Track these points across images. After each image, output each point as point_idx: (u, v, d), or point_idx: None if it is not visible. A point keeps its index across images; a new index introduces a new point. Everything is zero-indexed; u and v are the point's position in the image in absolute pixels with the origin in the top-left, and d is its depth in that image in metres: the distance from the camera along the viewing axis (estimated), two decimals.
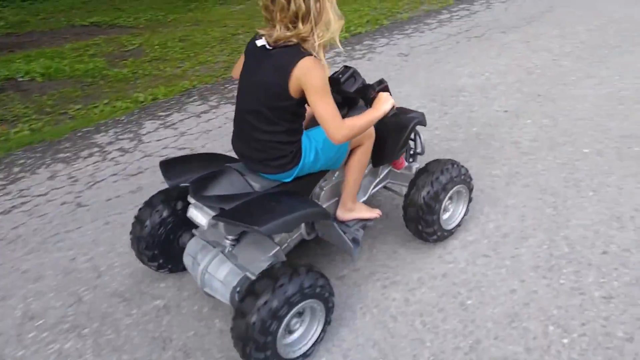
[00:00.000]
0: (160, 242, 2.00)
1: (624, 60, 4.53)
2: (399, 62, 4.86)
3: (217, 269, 1.74)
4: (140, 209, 2.02)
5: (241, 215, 1.59)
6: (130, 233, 2.03)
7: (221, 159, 1.94)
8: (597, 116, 3.55)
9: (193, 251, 1.84)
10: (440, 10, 6.63)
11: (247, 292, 1.54)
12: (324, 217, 1.76)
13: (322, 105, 1.56)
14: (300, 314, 1.67)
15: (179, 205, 1.99)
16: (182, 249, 1.91)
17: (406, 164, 2.35)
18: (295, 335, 1.70)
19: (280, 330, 1.54)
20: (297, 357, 1.68)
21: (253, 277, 1.63)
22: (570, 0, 6.61)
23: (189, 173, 1.79)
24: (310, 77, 1.53)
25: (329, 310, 1.72)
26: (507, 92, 4.05)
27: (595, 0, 6.50)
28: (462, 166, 2.19)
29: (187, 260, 1.87)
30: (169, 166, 1.87)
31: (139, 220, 1.99)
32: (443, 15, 6.38)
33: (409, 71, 4.62)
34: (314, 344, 1.73)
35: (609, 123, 3.43)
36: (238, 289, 1.69)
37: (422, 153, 2.30)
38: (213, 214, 1.66)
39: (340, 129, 1.58)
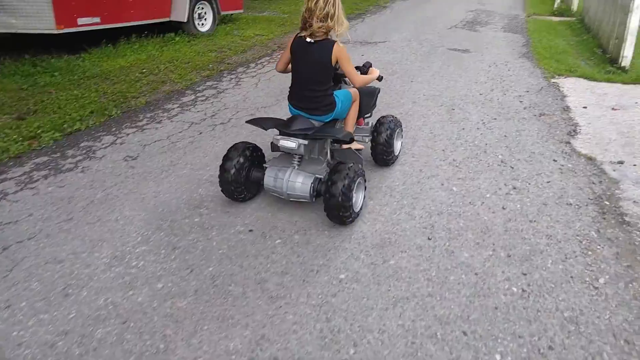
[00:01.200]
0: (241, 184, 3.08)
1: None
2: (123, 171, 3.78)
3: (296, 177, 2.92)
4: (223, 161, 3.05)
5: (323, 134, 2.97)
6: (219, 177, 3.08)
7: (271, 117, 3.33)
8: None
9: (273, 173, 2.97)
10: (184, 90, 5.81)
11: (331, 181, 2.76)
12: (352, 136, 3.10)
13: (350, 67, 2.98)
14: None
15: (247, 152, 3.10)
16: (254, 181, 3.13)
17: (364, 122, 3.72)
18: (354, 199, 2.86)
19: (352, 196, 2.80)
20: (358, 211, 3.00)
21: (320, 177, 2.96)
22: None
23: (269, 122, 3.05)
24: (341, 53, 2.89)
25: (365, 182, 3.08)
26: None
27: None
28: (397, 118, 3.73)
29: (268, 180, 2.99)
30: (255, 121, 3.06)
31: (224, 169, 3.03)
32: (187, 97, 5.56)
33: (133, 184, 3.57)
34: (361, 205, 3.06)
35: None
36: (312, 185, 2.91)
37: (371, 112, 3.74)
38: (298, 140, 2.85)
39: (359, 78, 3.11)
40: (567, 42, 8.81)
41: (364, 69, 3.31)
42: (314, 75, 2.95)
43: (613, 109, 5.24)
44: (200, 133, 4.55)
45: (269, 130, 3.05)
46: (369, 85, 3.38)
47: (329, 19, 2.80)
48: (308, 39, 2.87)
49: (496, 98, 5.51)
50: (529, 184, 3.57)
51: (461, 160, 3.95)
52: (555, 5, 12.72)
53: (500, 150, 4.15)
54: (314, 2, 2.79)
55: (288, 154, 3.05)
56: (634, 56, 6.67)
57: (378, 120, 3.61)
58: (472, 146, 4.23)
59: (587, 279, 2.54)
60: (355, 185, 2.87)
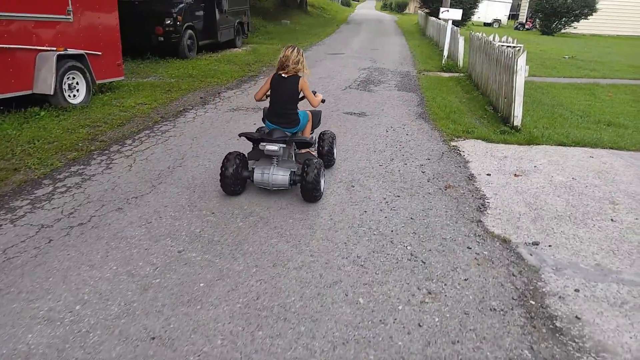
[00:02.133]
0: (238, 179, 4.18)
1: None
2: None
3: (277, 172, 4.09)
4: (224, 163, 4.14)
5: (297, 139, 4.23)
6: (220, 175, 4.17)
7: (257, 132, 4.56)
8: None
9: (260, 171, 4.13)
10: (40, 179, 4.80)
11: (306, 172, 3.95)
12: (312, 142, 4.65)
13: (309, 93, 4.27)
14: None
15: (237, 160, 4.17)
16: (244, 178, 4.26)
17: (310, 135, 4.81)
18: (321, 183, 4.12)
19: (320, 182, 4.06)
20: (322, 192, 4.23)
21: (294, 170, 4.15)
22: (201, 150, 5.75)
23: (256, 134, 4.27)
24: (304, 84, 4.19)
25: (324, 172, 4.31)
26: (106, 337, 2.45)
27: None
28: (333, 132, 5.16)
29: (257, 176, 4.15)
30: (245, 134, 4.22)
31: (225, 170, 4.12)
32: (42, 189, 4.57)
33: None
34: (324, 188, 4.31)
35: None
36: (290, 177, 4.10)
37: (318, 126, 4.99)
38: (280, 145, 4.01)
39: (316, 100, 4.37)
40: (459, 99, 8.94)
41: (314, 94, 4.46)
42: (287, 99, 4.27)
43: (515, 174, 5.06)
44: (50, 241, 3.61)
45: (242, 139, 4.40)
46: (317, 109, 4.79)
47: (298, 64, 4.21)
48: (283, 75, 4.23)
49: (397, 169, 5.13)
50: (445, 284, 3.07)
51: (366, 257, 3.38)
52: (443, 62, 13.24)
53: (408, 238, 3.66)
54: (290, 52, 4.21)
55: (267, 157, 4.28)
56: (523, 114, 6.74)
57: (319, 135, 4.99)
58: (377, 235, 3.70)
59: None
60: (321, 173, 4.10)
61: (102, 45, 7.97)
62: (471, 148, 5.97)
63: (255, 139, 4.20)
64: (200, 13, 13.79)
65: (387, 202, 4.29)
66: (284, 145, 4.12)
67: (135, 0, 12.57)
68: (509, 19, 41.40)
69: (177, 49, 12.72)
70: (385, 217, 3.98)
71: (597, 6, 28.81)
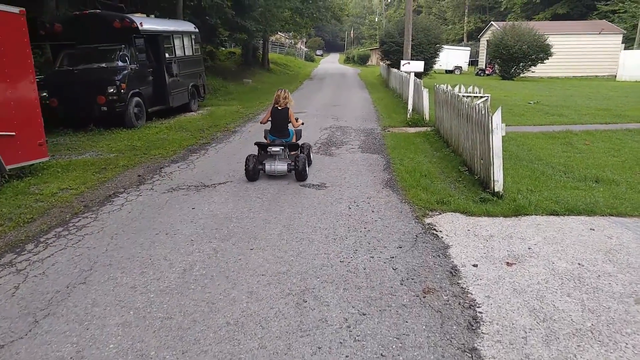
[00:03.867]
0: (256, 170, 6.86)
1: None
2: None
3: (280, 163, 6.94)
4: (246, 162, 6.84)
5: (292, 146, 7.18)
6: (245, 169, 6.86)
7: (265, 142, 7.26)
8: None
9: (270, 164, 6.94)
10: None
11: (297, 164, 6.79)
12: (299, 147, 7.38)
13: (293, 120, 7.13)
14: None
15: (255, 157, 6.95)
16: (259, 170, 6.97)
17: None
18: (307, 170, 6.93)
19: (306, 169, 6.94)
20: (307, 174, 7.02)
21: (290, 162, 6.95)
22: (117, 254, 4.59)
23: (265, 143, 7.11)
24: (292, 112, 7.13)
25: (308, 162, 7.30)
26: None
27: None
28: (309, 143, 7.97)
29: (267, 167, 6.94)
30: (259, 144, 7.10)
31: (247, 164, 6.80)
32: None
33: None
34: (308, 172, 7.12)
35: None
36: (288, 166, 6.91)
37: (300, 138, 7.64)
38: (281, 148, 6.92)
39: (297, 125, 7.21)
40: (429, 159, 8.10)
41: (297, 120, 7.21)
42: (282, 122, 7.07)
43: (508, 263, 4.07)
44: None
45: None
46: (298, 128, 7.33)
47: (287, 99, 7.01)
48: (278, 107, 7.02)
49: (362, 266, 4.08)
50: None
51: None
52: (408, 115, 12.57)
53: None
54: (281, 92, 7.07)
55: (271, 156, 7.02)
56: (504, 175, 5.85)
57: (300, 145, 7.38)
58: None
59: None
60: (305, 165, 6.84)
61: (15, 124, 6.88)
62: (449, 225, 5.00)
63: (265, 145, 7.02)
64: (149, 78, 12.90)
65: (349, 326, 3.20)
66: (283, 148, 6.96)
67: (74, 69, 11.62)
68: (469, 65, 42.21)
69: (123, 119, 11.69)
70: (347, 358, 2.88)
71: (552, 50, 29.39)
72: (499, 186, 5.76)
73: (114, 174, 7.65)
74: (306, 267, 4.10)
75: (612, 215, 5.16)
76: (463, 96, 7.99)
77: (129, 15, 12.25)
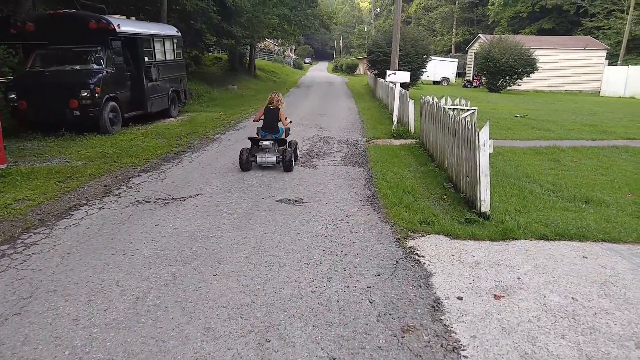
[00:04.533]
0: (249, 161, 7.84)
1: None
2: None
3: (270, 156, 7.93)
4: (240, 154, 7.82)
5: (281, 141, 8.06)
6: (239, 161, 7.84)
7: (257, 136, 8.30)
8: None
9: (261, 156, 7.93)
10: None
11: (284, 157, 7.74)
12: (286, 143, 8.21)
13: (283, 119, 8.16)
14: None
15: (246, 151, 7.87)
16: (251, 162, 7.95)
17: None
18: (293, 162, 8.05)
19: (292, 161, 7.99)
20: (294, 166, 8.08)
21: (278, 155, 7.92)
22: (65, 278, 4.13)
23: (256, 138, 8.10)
24: (282, 112, 8.18)
25: (294, 155, 8.32)
26: None
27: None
28: (296, 140, 8.95)
29: (259, 159, 7.92)
30: (251, 138, 8.11)
31: (241, 156, 7.79)
32: None
33: None
34: (294, 163, 8.20)
35: None
36: (276, 158, 7.88)
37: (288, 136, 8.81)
38: (271, 142, 7.95)
39: (285, 123, 8.25)
40: (413, 173, 7.75)
41: (286, 119, 8.24)
42: (273, 120, 8.01)
43: (495, 296, 3.70)
44: None
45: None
46: (287, 126, 8.39)
47: (279, 102, 8.08)
48: (271, 107, 8.02)
49: (335, 298, 3.68)
50: None
51: None
52: (393, 127, 12.25)
53: None
54: (274, 95, 8.17)
55: (262, 149, 7.93)
56: (491, 194, 5.51)
57: (288, 142, 8.17)
58: None
59: None
60: (292, 158, 7.76)
61: None
62: (432, 250, 4.63)
63: (257, 139, 7.95)
64: (126, 82, 12.39)
65: None
66: (272, 142, 7.93)
67: (46, 70, 11.09)
68: (456, 76, 42.28)
69: (97, 124, 11.15)
70: None
71: (538, 64, 29.48)
72: (485, 206, 5.42)
73: (79, 183, 7.16)
74: (273, 298, 3.68)
75: (605, 241, 4.84)
76: (449, 109, 7.68)
77: (105, 16, 11.75)
